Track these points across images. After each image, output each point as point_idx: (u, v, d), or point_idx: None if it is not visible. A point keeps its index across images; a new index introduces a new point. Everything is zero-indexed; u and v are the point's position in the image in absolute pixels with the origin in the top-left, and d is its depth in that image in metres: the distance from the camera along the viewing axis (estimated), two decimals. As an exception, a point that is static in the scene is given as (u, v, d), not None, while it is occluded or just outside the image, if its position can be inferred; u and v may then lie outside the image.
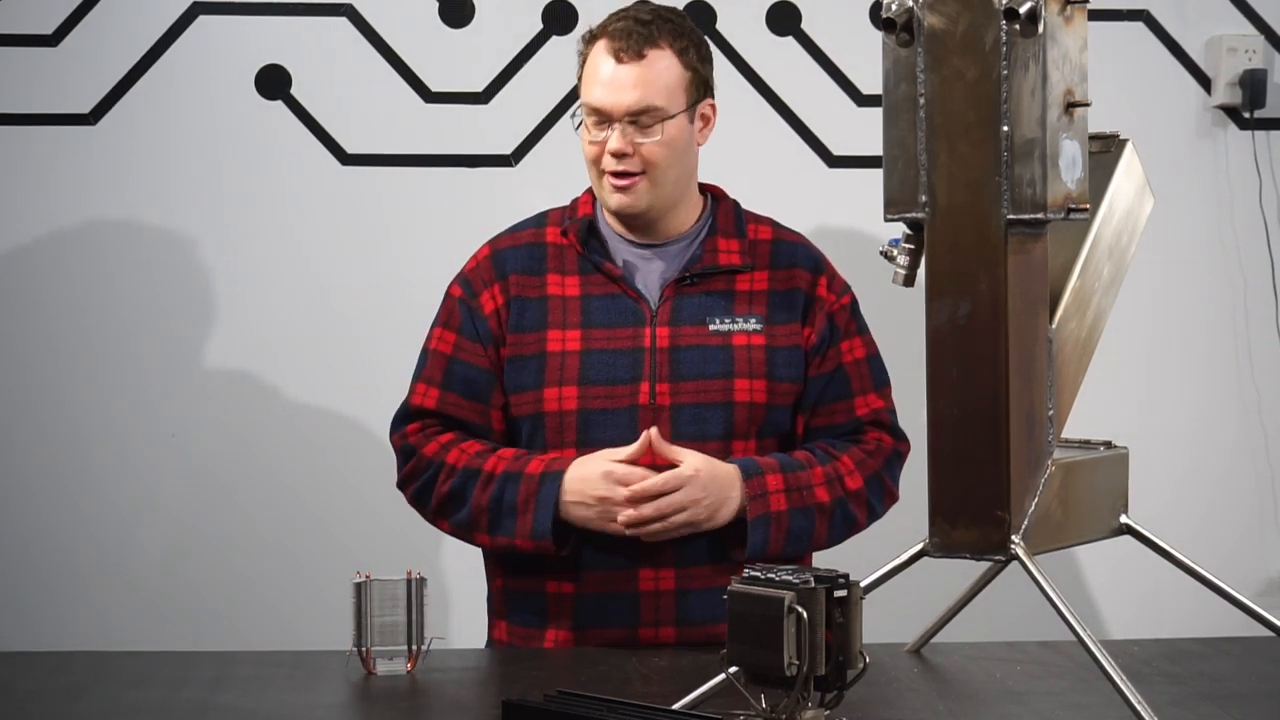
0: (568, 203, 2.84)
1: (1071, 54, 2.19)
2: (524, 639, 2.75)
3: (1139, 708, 2.12)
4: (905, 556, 2.34)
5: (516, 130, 3.77)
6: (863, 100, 3.79)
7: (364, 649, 2.49)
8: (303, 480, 3.75)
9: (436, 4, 3.76)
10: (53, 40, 3.71)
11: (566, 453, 2.70)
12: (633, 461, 2.63)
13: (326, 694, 2.42)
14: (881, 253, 2.31)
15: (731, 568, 2.61)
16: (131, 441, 3.74)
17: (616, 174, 2.70)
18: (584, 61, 2.74)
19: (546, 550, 2.65)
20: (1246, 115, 3.82)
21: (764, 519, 2.65)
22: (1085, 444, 2.46)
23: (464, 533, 2.72)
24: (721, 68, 3.64)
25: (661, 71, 2.70)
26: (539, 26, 3.76)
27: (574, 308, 2.74)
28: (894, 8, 2.20)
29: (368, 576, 2.50)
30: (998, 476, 2.21)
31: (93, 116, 3.72)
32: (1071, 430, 2.43)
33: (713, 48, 2.84)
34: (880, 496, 2.76)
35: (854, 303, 2.82)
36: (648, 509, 2.60)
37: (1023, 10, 2.13)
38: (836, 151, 3.81)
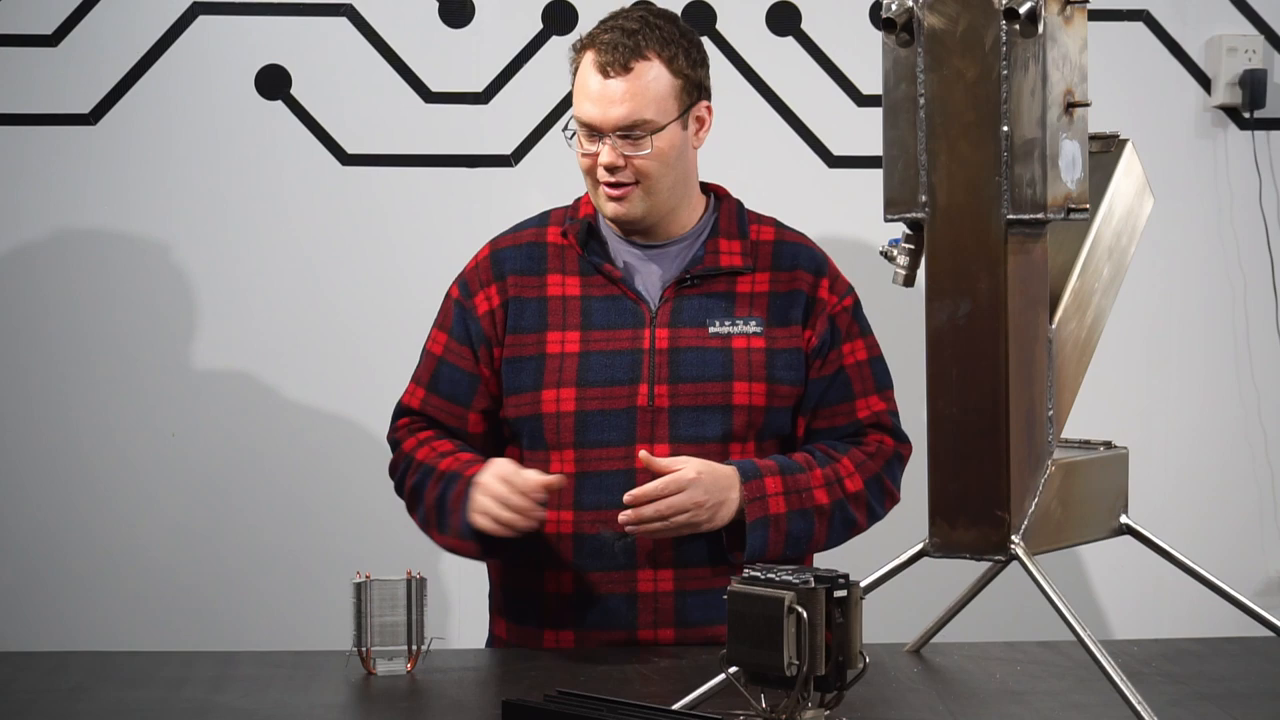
0: (570, 202, 2.84)
1: (1071, 54, 2.19)
2: (523, 638, 2.76)
3: (1139, 708, 2.12)
4: (905, 556, 2.34)
5: (516, 130, 3.77)
6: (863, 100, 3.79)
7: (364, 649, 2.49)
8: (302, 480, 3.75)
9: (436, 4, 3.76)
10: (53, 40, 3.71)
11: (565, 454, 2.70)
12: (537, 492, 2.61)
13: (326, 694, 2.42)
14: (881, 253, 2.31)
15: (730, 570, 2.61)
16: (131, 441, 3.74)
17: (611, 184, 2.70)
18: (575, 71, 2.73)
19: (471, 553, 2.66)
20: (1246, 115, 3.82)
21: (762, 521, 2.65)
22: (1085, 444, 2.46)
23: (423, 529, 2.74)
24: (721, 68, 3.65)
25: (650, 83, 2.69)
26: (539, 26, 3.76)
27: (574, 308, 2.74)
28: (894, 8, 2.20)
29: (368, 576, 2.50)
30: (998, 476, 2.21)
31: (93, 116, 3.73)
32: (1071, 430, 2.43)
33: (713, 48, 2.84)
34: (880, 498, 2.76)
35: (856, 304, 2.81)
36: (647, 510, 2.60)
37: (1023, 10, 2.13)
38: (836, 151, 3.81)
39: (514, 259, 2.79)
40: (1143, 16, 3.83)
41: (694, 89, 2.73)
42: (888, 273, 2.31)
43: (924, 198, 2.22)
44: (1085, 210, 2.21)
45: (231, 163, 3.74)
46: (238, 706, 2.35)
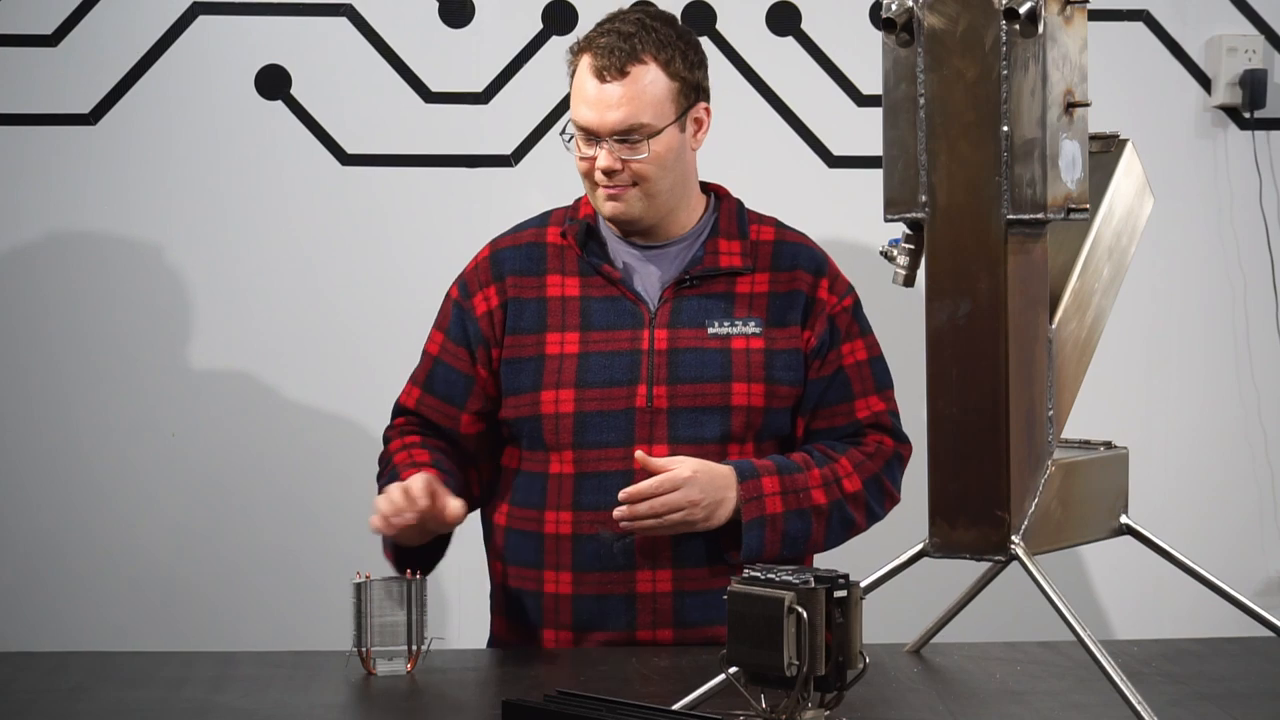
0: (570, 203, 2.84)
1: (1071, 54, 2.19)
2: (523, 638, 2.76)
3: (1139, 708, 2.12)
4: (905, 556, 2.34)
5: (516, 130, 3.77)
6: (863, 100, 3.79)
7: (364, 649, 2.49)
8: (303, 480, 3.75)
9: (436, 4, 3.76)
10: (53, 40, 3.71)
11: (564, 455, 2.70)
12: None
13: (326, 694, 2.42)
14: (881, 253, 2.31)
15: (729, 570, 2.61)
16: (131, 441, 3.74)
17: (609, 185, 2.70)
18: (572, 75, 2.73)
19: (388, 558, 2.69)
20: (1246, 115, 3.82)
21: (759, 521, 2.65)
22: (1085, 444, 2.46)
23: None
24: (721, 68, 3.65)
25: (646, 87, 2.68)
26: (539, 26, 3.76)
27: (573, 309, 2.74)
28: (894, 8, 2.20)
29: (368, 576, 2.50)
30: (998, 476, 2.21)
31: (93, 116, 3.72)
32: (1071, 430, 2.43)
33: (713, 48, 2.84)
34: (880, 499, 2.76)
35: (856, 304, 2.81)
36: (642, 508, 2.60)
37: (1023, 10, 2.13)
38: (836, 151, 3.81)
39: (513, 260, 2.79)
40: (1143, 16, 3.83)
41: (691, 91, 2.73)
42: (888, 273, 2.31)
43: (924, 198, 2.22)
44: (1085, 210, 2.21)
45: (231, 163, 3.74)
46: (238, 706, 2.35)
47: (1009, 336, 2.19)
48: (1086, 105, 2.20)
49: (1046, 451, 2.28)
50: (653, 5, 3.44)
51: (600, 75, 2.67)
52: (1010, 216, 2.17)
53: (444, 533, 2.67)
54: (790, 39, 3.80)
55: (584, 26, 2.81)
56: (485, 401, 2.77)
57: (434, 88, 3.76)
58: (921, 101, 2.20)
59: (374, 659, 2.49)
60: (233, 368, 3.75)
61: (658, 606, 2.69)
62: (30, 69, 3.71)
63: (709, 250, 2.76)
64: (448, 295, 2.83)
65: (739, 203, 2.83)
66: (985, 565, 2.46)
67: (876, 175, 2.27)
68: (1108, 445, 2.47)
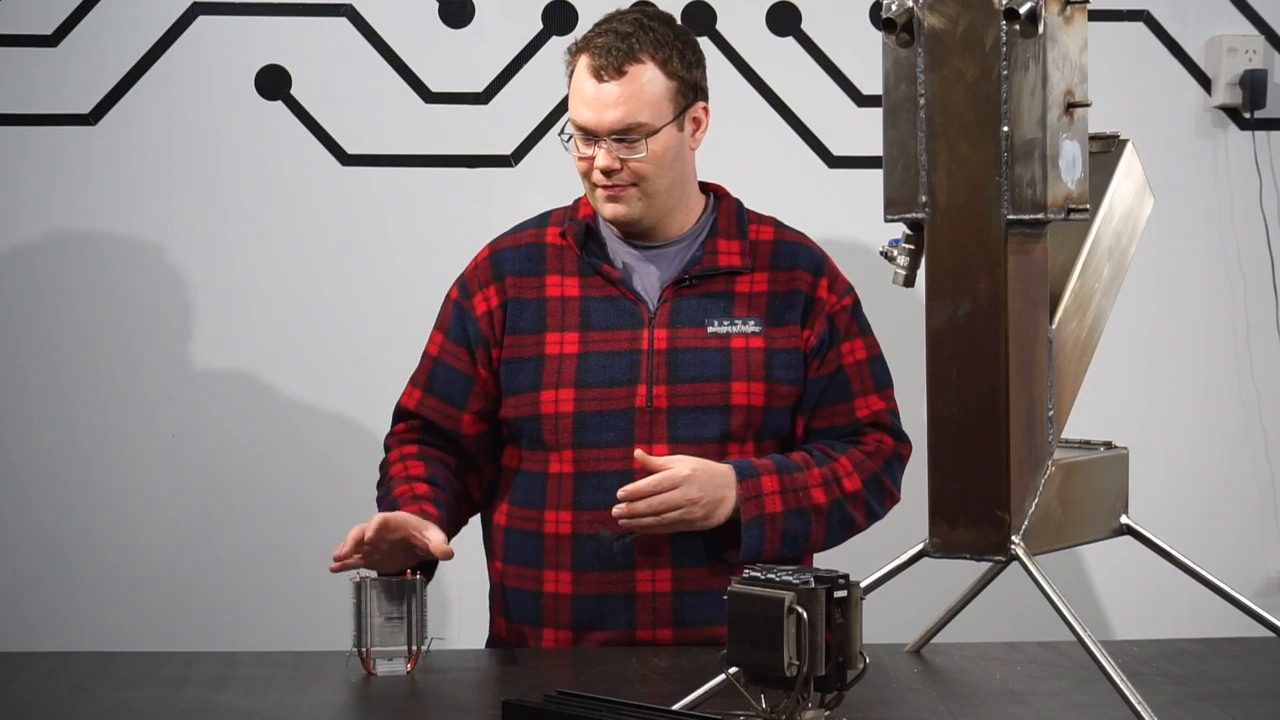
0: (570, 203, 2.84)
1: (1071, 54, 2.19)
2: (523, 638, 2.76)
3: (1139, 708, 2.12)
4: (905, 557, 2.34)
5: (516, 130, 3.77)
6: (863, 100, 3.79)
7: (364, 649, 2.49)
8: (303, 480, 3.75)
9: (436, 4, 3.76)
10: (53, 40, 3.71)
11: (563, 455, 2.70)
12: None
13: (326, 694, 2.42)
14: (881, 253, 2.31)
15: (729, 570, 2.62)
16: (131, 442, 3.74)
17: (607, 185, 2.71)
18: (570, 75, 2.73)
19: None
20: (1247, 115, 3.82)
21: (758, 520, 2.65)
22: (1085, 444, 2.46)
23: None
24: (721, 68, 3.65)
25: (644, 86, 2.68)
26: (539, 27, 3.76)
27: (573, 309, 2.74)
28: (894, 8, 2.20)
29: (368, 577, 2.50)
30: (998, 476, 2.21)
31: (93, 117, 3.72)
32: (1071, 430, 2.43)
33: (713, 48, 2.84)
34: (880, 498, 2.76)
35: (856, 304, 2.81)
36: (641, 506, 2.60)
37: (1023, 10, 2.13)
38: (836, 152, 3.81)
39: (513, 260, 2.79)
40: (1143, 16, 3.83)
41: (690, 90, 2.73)
42: (888, 273, 2.31)
43: (924, 198, 2.22)
44: (1085, 210, 2.21)
45: (231, 163, 3.74)
46: (238, 706, 2.35)
47: (1009, 336, 2.19)
48: (1087, 105, 2.20)
49: (1046, 451, 2.28)
50: (651, 5, 3.44)
51: (598, 75, 2.68)
52: (1010, 217, 2.17)
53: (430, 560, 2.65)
54: (790, 39, 3.80)
55: (584, 26, 2.81)
56: (486, 402, 2.77)
57: (434, 88, 3.76)
58: (921, 102, 2.20)
59: (374, 659, 2.49)
60: (233, 368, 3.75)
61: (657, 606, 2.69)
62: (30, 69, 3.71)
63: (708, 250, 2.76)
64: (447, 296, 2.83)
65: (738, 202, 2.83)
66: (985, 565, 2.46)
67: (876, 175, 2.27)
68: (1108, 445, 2.47)
